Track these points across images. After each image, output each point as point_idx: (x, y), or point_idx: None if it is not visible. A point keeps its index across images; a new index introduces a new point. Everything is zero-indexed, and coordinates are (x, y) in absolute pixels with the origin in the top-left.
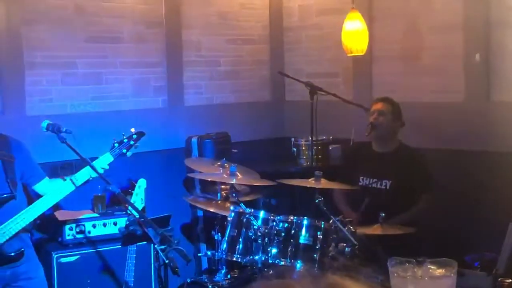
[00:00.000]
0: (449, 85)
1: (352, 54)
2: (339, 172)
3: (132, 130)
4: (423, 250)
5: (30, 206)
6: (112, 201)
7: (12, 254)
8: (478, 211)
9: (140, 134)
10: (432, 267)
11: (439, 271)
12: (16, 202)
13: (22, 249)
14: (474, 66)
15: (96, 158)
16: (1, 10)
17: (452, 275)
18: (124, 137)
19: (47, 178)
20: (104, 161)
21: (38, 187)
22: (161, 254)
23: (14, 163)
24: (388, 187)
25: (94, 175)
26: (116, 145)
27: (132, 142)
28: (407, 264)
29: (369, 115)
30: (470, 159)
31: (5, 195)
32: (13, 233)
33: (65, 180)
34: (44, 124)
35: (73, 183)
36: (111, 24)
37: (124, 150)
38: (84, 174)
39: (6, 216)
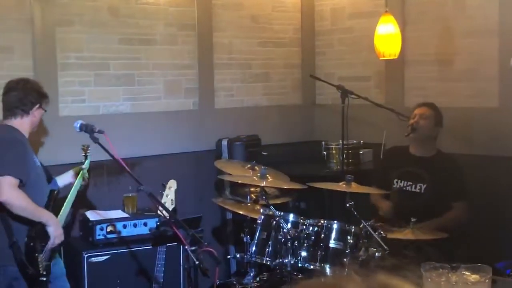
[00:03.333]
0: (483, 90)
1: (385, 58)
2: (373, 175)
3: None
4: (454, 256)
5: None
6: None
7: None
8: (510, 217)
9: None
10: (467, 273)
11: (474, 277)
12: None
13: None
14: (509, 71)
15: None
16: (36, 11)
17: (486, 281)
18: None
19: None
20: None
21: None
22: (191, 255)
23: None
24: (422, 191)
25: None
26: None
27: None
28: (441, 270)
29: (411, 118)
30: (503, 165)
31: (59, 189)
32: (64, 224)
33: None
34: (77, 124)
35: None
36: (144, 26)
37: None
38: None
39: (57, 208)
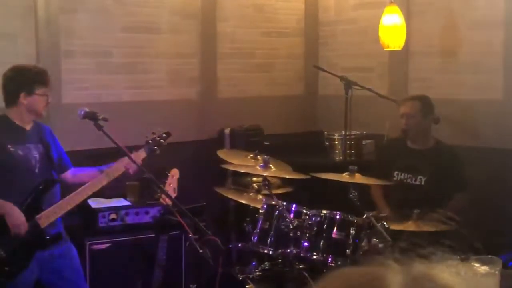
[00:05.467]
0: (487, 82)
1: (389, 49)
2: (373, 167)
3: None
4: (458, 248)
5: (75, 192)
6: (146, 189)
7: (53, 236)
8: None
9: (168, 134)
10: (476, 265)
11: (483, 269)
12: (59, 187)
13: (61, 231)
14: None
15: (132, 147)
16: None
17: (496, 272)
18: (156, 136)
19: (72, 168)
20: (138, 157)
21: (65, 176)
22: (195, 243)
23: (51, 149)
24: (423, 183)
25: None
26: (150, 142)
27: (162, 141)
28: (450, 261)
29: (400, 118)
30: (507, 157)
31: (53, 180)
32: (58, 216)
33: (101, 172)
34: (81, 112)
35: (108, 176)
36: (148, 15)
37: (156, 147)
38: (118, 168)
39: (52, 200)
